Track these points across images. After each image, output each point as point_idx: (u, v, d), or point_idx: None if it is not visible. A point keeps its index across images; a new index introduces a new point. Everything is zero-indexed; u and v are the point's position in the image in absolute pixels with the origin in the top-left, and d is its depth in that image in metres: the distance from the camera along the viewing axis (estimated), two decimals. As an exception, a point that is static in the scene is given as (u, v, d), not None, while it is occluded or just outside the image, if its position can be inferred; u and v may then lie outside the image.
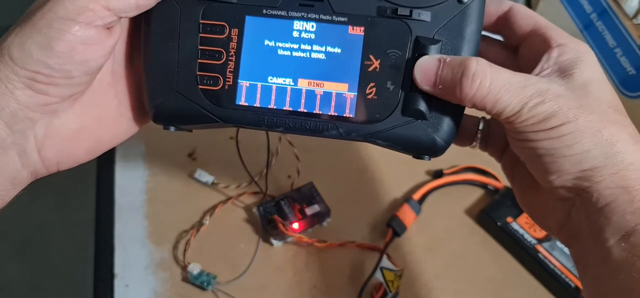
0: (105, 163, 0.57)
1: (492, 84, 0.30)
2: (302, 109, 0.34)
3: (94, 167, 0.57)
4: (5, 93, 0.30)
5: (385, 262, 0.49)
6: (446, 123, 0.33)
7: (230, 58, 0.34)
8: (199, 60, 0.34)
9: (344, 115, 0.34)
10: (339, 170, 0.58)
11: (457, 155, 0.59)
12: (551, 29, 0.34)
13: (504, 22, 0.36)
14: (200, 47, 0.34)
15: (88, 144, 0.35)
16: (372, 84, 0.33)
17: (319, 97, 0.34)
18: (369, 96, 0.33)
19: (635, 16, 0.56)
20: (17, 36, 0.30)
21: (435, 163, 0.58)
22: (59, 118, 0.33)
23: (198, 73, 0.34)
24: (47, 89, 0.31)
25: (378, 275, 0.48)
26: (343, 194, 0.56)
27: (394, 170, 0.59)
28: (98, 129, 0.35)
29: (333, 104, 0.34)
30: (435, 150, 0.34)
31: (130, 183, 0.56)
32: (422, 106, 0.33)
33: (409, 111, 0.33)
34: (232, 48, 0.34)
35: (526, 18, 0.35)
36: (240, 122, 0.35)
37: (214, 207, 0.54)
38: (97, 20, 0.30)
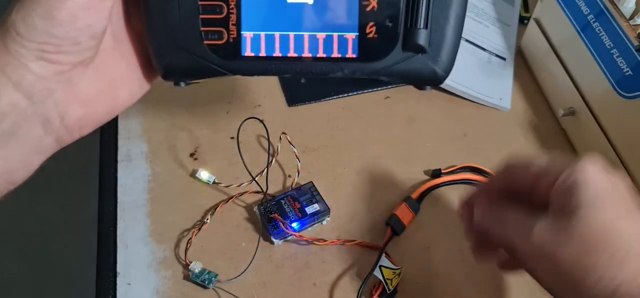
0: (107, 163, 0.58)
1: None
2: (306, 54, 0.35)
3: (97, 166, 0.58)
4: (20, 67, 0.31)
5: (384, 261, 0.50)
6: (445, 54, 0.35)
7: (231, 11, 0.35)
8: (201, 16, 0.35)
9: (347, 56, 0.35)
10: (339, 170, 0.59)
11: (455, 155, 0.60)
12: (548, 170, 0.36)
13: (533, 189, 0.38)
14: (200, 3, 0.35)
15: (106, 106, 0.36)
16: (371, 24, 0.34)
17: (321, 41, 0.35)
18: (370, 35, 0.34)
19: (632, 17, 0.57)
20: (19, 11, 0.31)
21: (434, 163, 0.59)
22: (75, 85, 0.34)
23: (202, 29, 0.35)
24: (58, 57, 0.32)
25: (377, 273, 0.49)
26: (343, 194, 0.57)
27: (392, 170, 0.59)
28: (113, 90, 0.36)
29: (335, 46, 0.35)
30: (436, 80, 0.35)
31: (133, 183, 0.56)
32: (422, 41, 0.34)
33: (409, 46, 0.34)
34: (232, 0, 0.35)
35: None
36: (249, 72, 0.36)
37: (215, 206, 0.55)
38: None
